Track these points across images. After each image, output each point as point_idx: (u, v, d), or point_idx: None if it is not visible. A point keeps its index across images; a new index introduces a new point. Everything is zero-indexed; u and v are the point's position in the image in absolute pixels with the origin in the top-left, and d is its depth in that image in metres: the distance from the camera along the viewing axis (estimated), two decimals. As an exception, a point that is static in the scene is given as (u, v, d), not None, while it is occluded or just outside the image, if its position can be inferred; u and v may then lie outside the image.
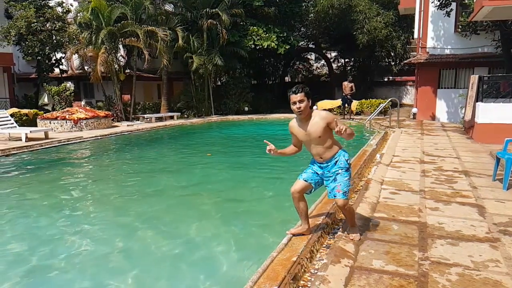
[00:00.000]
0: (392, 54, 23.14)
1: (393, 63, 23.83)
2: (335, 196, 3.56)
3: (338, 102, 19.05)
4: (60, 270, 3.93)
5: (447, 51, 16.00)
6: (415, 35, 17.25)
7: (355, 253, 3.44)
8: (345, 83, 17.12)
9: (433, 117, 16.39)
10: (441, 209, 4.62)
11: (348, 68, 27.37)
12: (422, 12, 16.34)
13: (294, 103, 3.46)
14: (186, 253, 4.20)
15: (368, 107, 18.74)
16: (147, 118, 18.30)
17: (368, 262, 3.28)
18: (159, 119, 18.65)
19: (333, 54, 29.05)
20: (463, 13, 14.09)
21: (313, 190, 3.73)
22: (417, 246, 3.59)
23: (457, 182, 5.90)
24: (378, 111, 15.27)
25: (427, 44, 16.28)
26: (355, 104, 18.64)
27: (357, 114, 18.79)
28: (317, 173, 3.67)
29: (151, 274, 3.80)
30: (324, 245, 3.63)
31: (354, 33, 21.26)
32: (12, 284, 3.66)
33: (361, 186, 5.60)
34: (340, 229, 3.94)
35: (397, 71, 23.54)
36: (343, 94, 17.23)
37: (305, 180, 3.64)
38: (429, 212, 4.51)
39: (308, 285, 2.92)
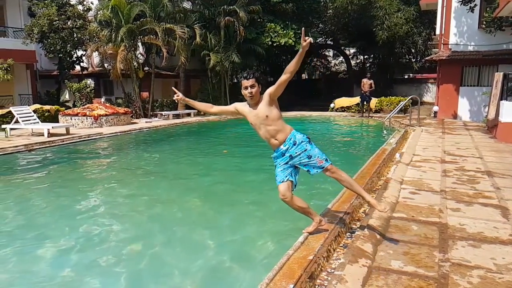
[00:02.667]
0: (413, 50, 22.74)
1: (414, 60, 23.42)
2: (323, 168, 3.53)
3: (357, 99, 18.82)
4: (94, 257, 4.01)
5: (470, 48, 15.61)
6: (437, 31, 16.89)
7: (373, 253, 3.39)
8: (364, 80, 16.88)
9: (455, 116, 16.03)
10: (463, 210, 4.51)
11: (367, 65, 27.04)
12: (444, 8, 15.98)
13: (246, 88, 3.50)
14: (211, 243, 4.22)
15: (387, 104, 18.45)
16: (164, 115, 18.47)
17: (387, 263, 3.22)
18: (176, 116, 18.79)
19: (352, 50, 28.75)
20: (488, 9, 13.72)
21: (296, 184, 3.66)
22: (437, 247, 3.51)
23: (480, 182, 5.75)
24: (398, 109, 15.01)
25: (450, 41, 15.91)
26: (374, 101, 18.39)
27: (376, 112, 18.53)
28: (287, 163, 3.59)
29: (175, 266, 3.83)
30: (341, 245, 3.59)
31: (374, 29, 20.95)
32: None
33: (380, 185, 5.52)
34: (358, 229, 3.89)
35: (418, 68, 23.11)
36: (362, 92, 17.01)
37: (284, 181, 3.56)
38: (450, 213, 4.41)
39: (325, 284, 2.89)
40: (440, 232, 3.85)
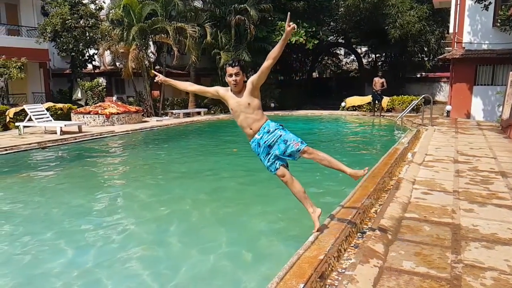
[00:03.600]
0: (426, 49, 22.43)
1: (427, 58, 23.09)
2: (299, 150, 3.54)
3: (368, 98, 18.67)
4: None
5: (485, 46, 15.37)
6: (451, 30, 16.67)
7: (385, 254, 3.35)
8: (376, 78, 16.75)
9: (468, 115, 15.81)
10: (476, 211, 4.44)
11: (379, 63, 26.78)
12: (458, 6, 15.76)
13: (231, 75, 3.57)
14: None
15: (399, 104, 18.27)
16: (175, 114, 18.56)
17: (398, 263, 3.19)
18: (187, 114, 18.87)
19: (363, 49, 28.49)
20: (503, 7, 13.48)
21: (287, 163, 3.73)
22: (449, 248, 3.47)
23: (493, 183, 5.66)
24: (410, 108, 14.85)
25: (463, 39, 15.69)
26: (386, 100, 18.23)
27: (388, 111, 18.37)
28: (269, 153, 3.66)
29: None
30: (352, 245, 3.56)
31: (386, 27, 20.74)
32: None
33: (392, 185, 5.46)
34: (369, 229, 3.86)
35: (431, 67, 22.79)
36: (374, 90, 16.88)
37: (278, 168, 3.64)
38: (463, 214, 4.35)
39: (336, 284, 2.87)
40: (452, 233, 3.80)
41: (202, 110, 19.87)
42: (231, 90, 3.69)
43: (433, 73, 24.04)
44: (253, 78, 3.60)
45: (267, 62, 3.50)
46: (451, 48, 17.15)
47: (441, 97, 23.33)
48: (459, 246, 3.52)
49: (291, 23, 3.26)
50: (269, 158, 3.65)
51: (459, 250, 3.42)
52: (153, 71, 4.02)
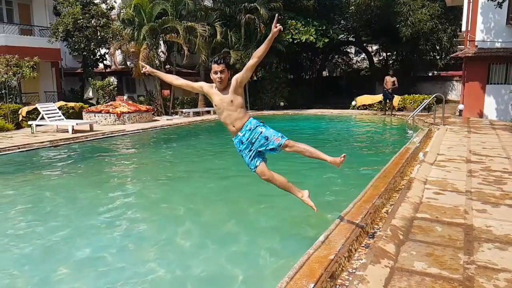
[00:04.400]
0: (438, 47, 22.21)
1: (439, 57, 22.86)
2: (280, 145, 3.61)
3: (379, 97, 18.53)
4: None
5: (498, 45, 15.14)
6: (463, 28, 16.44)
7: (396, 254, 3.33)
8: (387, 77, 16.62)
9: (481, 115, 15.60)
10: (489, 211, 4.38)
11: (390, 62, 26.59)
12: (471, 3, 15.53)
13: (216, 72, 3.60)
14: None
15: (411, 102, 18.10)
16: (185, 113, 18.63)
17: (410, 264, 3.16)
18: (197, 113, 18.93)
19: (374, 47, 28.32)
20: (517, 4, 13.27)
21: (266, 159, 3.82)
22: (462, 249, 3.42)
23: (507, 183, 5.57)
24: (422, 107, 14.69)
25: (476, 37, 15.47)
26: (397, 99, 18.07)
27: (399, 110, 18.21)
28: (251, 150, 3.73)
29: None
30: (363, 245, 3.54)
31: (397, 25, 20.56)
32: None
33: (403, 185, 5.42)
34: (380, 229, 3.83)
35: (443, 65, 22.56)
36: (385, 89, 16.75)
37: (258, 165, 3.73)
38: (475, 214, 4.29)
39: (346, 284, 2.86)
40: (465, 234, 3.75)
41: (211, 109, 19.90)
42: (216, 87, 3.73)
43: (445, 71, 23.79)
44: (237, 76, 3.65)
45: (252, 61, 3.56)
46: (463, 46, 16.91)
47: (453, 96, 23.07)
48: (471, 247, 3.47)
49: (278, 24, 3.34)
50: (251, 155, 3.73)
51: (471, 251, 3.38)
52: (140, 62, 4.11)
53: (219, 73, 3.59)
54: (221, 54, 3.74)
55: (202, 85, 3.88)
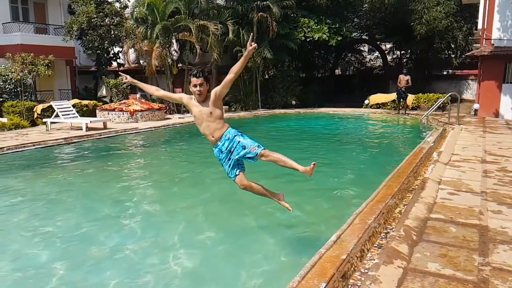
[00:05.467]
0: (453, 46, 21.84)
1: (454, 55, 22.49)
2: (257, 154, 3.73)
3: (393, 96, 18.33)
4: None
5: (515, 43, 14.83)
6: (479, 26, 16.16)
7: (409, 255, 3.29)
8: (401, 76, 16.42)
9: (497, 114, 15.31)
10: (505, 213, 4.30)
11: (404, 60, 26.26)
12: (487, 1, 15.25)
13: (195, 85, 3.70)
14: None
15: (425, 102, 17.86)
16: (197, 111, 18.67)
17: (423, 265, 3.12)
18: (209, 111, 18.95)
19: (388, 45, 28.00)
20: (535, 1, 12.99)
21: (244, 169, 3.96)
22: (477, 251, 3.37)
23: (524, 184, 5.47)
24: (436, 106, 14.49)
25: (492, 36, 15.17)
26: (411, 98, 17.85)
27: (413, 109, 17.98)
28: (230, 159, 3.86)
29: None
30: (375, 245, 3.50)
31: (412, 23, 20.28)
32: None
33: (417, 185, 5.35)
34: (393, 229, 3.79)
35: (458, 64, 22.18)
36: (398, 88, 16.56)
37: (237, 175, 3.87)
38: (491, 215, 4.22)
39: (358, 284, 2.84)
40: (480, 235, 3.70)
41: (223, 108, 19.91)
42: (195, 99, 3.85)
43: (460, 70, 23.38)
44: (216, 89, 3.78)
45: (229, 76, 3.71)
46: (479, 44, 16.61)
47: (469, 95, 22.67)
48: (486, 248, 3.42)
49: (253, 43, 3.49)
50: (230, 164, 3.88)
51: (486, 253, 3.33)
52: (120, 72, 4.14)
53: (198, 86, 3.70)
54: (199, 67, 3.84)
55: (181, 96, 4.01)
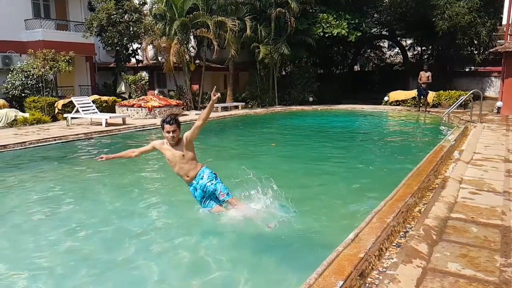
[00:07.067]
0: (476, 42, 21.28)
1: (476, 52, 21.90)
2: (224, 201, 4.22)
3: (413, 93, 18.04)
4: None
5: (541, 38, 14.38)
6: (504, 21, 15.72)
7: (429, 254, 3.23)
8: (422, 72, 16.15)
9: (521, 112, 14.90)
10: (529, 213, 4.18)
11: (425, 56, 25.75)
12: (512, -5, 14.81)
13: (168, 132, 4.07)
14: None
15: (446, 99, 17.50)
16: (213, 108, 18.73)
17: (443, 265, 3.06)
18: (225, 108, 19.03)
19: (409, 41, 27.49)
20: None
21: (220, 203, 4.36)
22: (498, 251, 3.29)
23: (549, 184, 5.31)
24: (458, 103, 14.18)
25: (517, 31, 14.75)
26: (431, 95, 17.51)
27: (433, 106, 17.66)
28: (204, 197, 4.29)
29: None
30: (394, 244, 3.45)
31: (433, 19, 19.84)
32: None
33: (437, 184, 5.25)
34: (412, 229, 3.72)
35: (481, 60, 21.59)
36: (419, 85, 16.27)
37: (213, 207, 4.30)
38: (514, 216, 4.10)
39: (376, 283, 2.80)
40: (502, 235, 3.61)
41: (240, 104, 19.96)
42: (167, 143, 4.20)
43: (483, 67, 22.79)
44: (187, 134, 4.16)
45: (198, 122, 4.11)
46: (503, 41, 16.15)
47: (492, 92, 22.10)
48: (509, 249, 3.34)
49: (216, 93, 4.08)
50: (204, 201, 4.29)
51: (509, 254, 3.25)
52: (98, 158, 4.35)
53: (171, 132, 4.07)
54: (171, 115, 4.09)
55: (153, 145, 4.35)
